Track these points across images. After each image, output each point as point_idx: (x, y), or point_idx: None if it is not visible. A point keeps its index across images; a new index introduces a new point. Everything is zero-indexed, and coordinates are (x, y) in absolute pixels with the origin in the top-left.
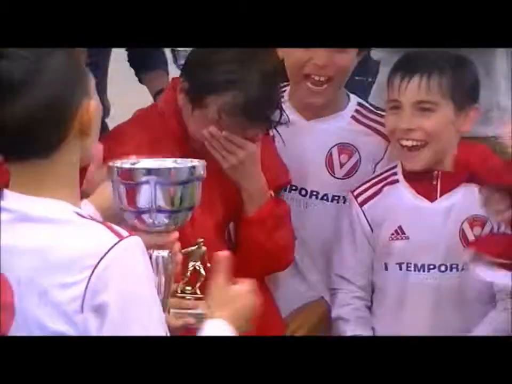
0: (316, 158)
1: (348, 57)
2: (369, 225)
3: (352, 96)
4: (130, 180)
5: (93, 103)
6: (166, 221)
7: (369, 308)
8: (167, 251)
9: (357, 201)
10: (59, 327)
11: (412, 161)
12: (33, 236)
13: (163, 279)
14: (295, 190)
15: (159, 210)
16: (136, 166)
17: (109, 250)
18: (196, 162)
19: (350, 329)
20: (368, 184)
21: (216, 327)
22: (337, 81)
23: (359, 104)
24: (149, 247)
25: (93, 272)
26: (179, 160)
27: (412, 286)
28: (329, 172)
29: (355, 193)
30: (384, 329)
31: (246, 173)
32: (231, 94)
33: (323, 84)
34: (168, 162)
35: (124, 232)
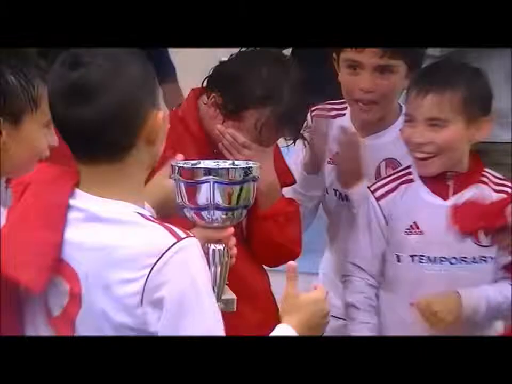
0: (367, 173)
1: (393, 80)
2: (385, 219)
3: (404, 107)
4: (191, 179)
5: (161, 114)
6: (223, 217)
7: (378, 297)
8: (223, 245)
9: (374, 196)
10: (121, 318)
11: (424, 168)
12: (100, 234)
13: (219, 270)
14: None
15: (217, 207)
16: (197, 166)
17: (166, 251)
18: (251, 164)
19: (360, 318)
20: (384, 181)
21: (282, 332)
22: (384, 102)
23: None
24: (207, 240)
25: (151, 270)
26: (236, 162)
27: (424, 277)
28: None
29: (372, 188)
30: (393, 317)
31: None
32: (269, 108)
33: (372, 104)
34: (226, 163)
35: (182, 234)
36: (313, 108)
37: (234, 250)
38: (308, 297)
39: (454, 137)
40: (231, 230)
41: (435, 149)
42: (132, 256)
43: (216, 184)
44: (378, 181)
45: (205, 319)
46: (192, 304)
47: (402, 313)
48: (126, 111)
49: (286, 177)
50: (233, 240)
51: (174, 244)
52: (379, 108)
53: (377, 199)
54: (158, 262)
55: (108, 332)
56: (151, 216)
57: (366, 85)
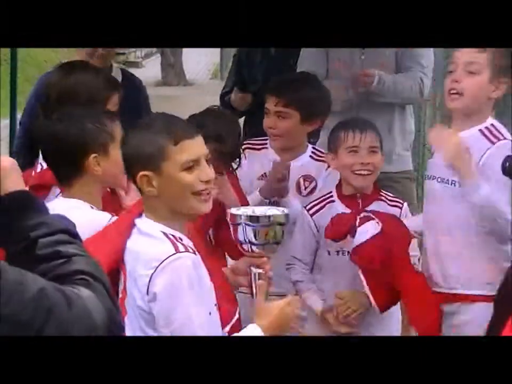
0: (291, 185)
1: (289, 122)
2: (317, 228)
3: (309, 144)
4: (233, 222)
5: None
6: (257, 250)
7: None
8: (261, 269)
9: (309, 213)
10: (139, 302)
11: (364, 182)
12: (137, 242)
13: (257, 288)
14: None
15: (251, 243)
16: (236, 212)
17: (166, 258)
18: (275, 211)
19: (305, 286)
20: (315, 202)
21: (250, 332)
22: (286, 136)
23: (313, 148)
24: (249, 265)
25: (155, 270)
26: (270, 209)
27: (345, 263)
28: (298, 193)
29: (307, 207)
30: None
31: (221, 193)
32: (213, 146)
33: (276, 136)
34: (260, 209)
35: (182, 248)
36: (244, 143)
37: (270, 273)
38: (277, 304)
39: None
40: (265, 259)
41: (373, 168)
42: (148, 258)
43: (247, 226)
44: (311, 202)
45: (189, 315)
46: (178, 300)
47: (331, 290)
48: None
49: (242, 199)
50: (268, 266)
51: (171, 255)
52: (282, 139)
53: (311, 215)
54: (159, 265)
55: (133, 313)
56: (165, 232)
57: (268, 124)
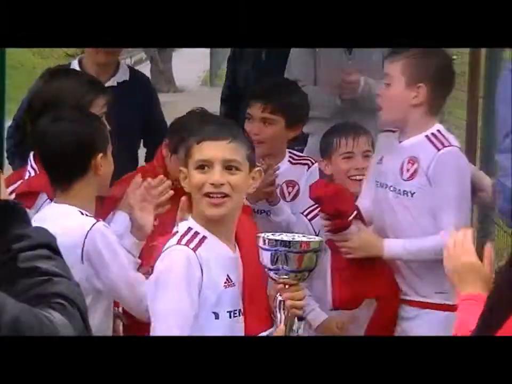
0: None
1: (273, 129)
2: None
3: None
4: (265, 246)
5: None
6: (286, 277)
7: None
8: (287, 300)
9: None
10: None
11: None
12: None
13: (283, 314)
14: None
15: (283, 270)
16: (271, 237)
17: (167, 248)
18: (313, 239)
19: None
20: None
21: None
22: (269, 142)
23: (290, 152)
24: (278, 292)
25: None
26: (306, 236)
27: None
28: (282, 199)
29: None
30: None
31: None
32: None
33: (260, 143)
34: (294, 236)
35: (192, 245)
36: None
37: (302, 303)
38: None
39: None
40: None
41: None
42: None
43: (281, 252)
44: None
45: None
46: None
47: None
48: None
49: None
50: (299, 295)
51: (172, 245)
52: (266, 145)
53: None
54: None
55: None
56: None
57: (253, 130)
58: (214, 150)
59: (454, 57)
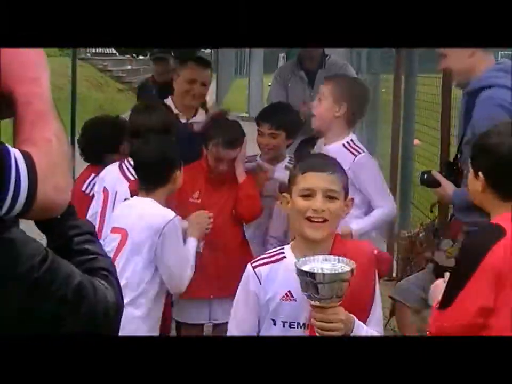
0: (273, 189)
1: (278, 140)
2: None
3: (287, 155)
4: (297, 274)
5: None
6: (317, 303)
7: None
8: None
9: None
10: None
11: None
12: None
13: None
14: None
15: (314, 297)
16: (300, 267)
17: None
18: (340, 269)
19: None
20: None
21: None
22: (276, 149)
23: (290, 157)
24: (312, 316)
25: None
26: (340, 262)
27: None
28: None
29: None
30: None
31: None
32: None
33: (270, 150)
34: (324, 265)
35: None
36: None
37: (327, 325)
38: None
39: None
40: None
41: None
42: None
43: (307, 279)
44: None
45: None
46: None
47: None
48: None
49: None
50: (327, 318)
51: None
52: (273, 151)
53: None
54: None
55: None
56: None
57: (263, 142)
58: (316, 180)
59: (383, 89)
